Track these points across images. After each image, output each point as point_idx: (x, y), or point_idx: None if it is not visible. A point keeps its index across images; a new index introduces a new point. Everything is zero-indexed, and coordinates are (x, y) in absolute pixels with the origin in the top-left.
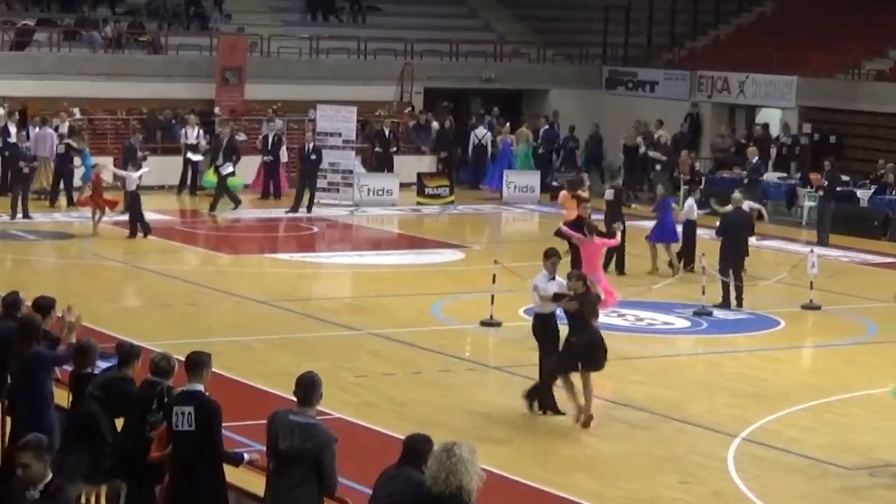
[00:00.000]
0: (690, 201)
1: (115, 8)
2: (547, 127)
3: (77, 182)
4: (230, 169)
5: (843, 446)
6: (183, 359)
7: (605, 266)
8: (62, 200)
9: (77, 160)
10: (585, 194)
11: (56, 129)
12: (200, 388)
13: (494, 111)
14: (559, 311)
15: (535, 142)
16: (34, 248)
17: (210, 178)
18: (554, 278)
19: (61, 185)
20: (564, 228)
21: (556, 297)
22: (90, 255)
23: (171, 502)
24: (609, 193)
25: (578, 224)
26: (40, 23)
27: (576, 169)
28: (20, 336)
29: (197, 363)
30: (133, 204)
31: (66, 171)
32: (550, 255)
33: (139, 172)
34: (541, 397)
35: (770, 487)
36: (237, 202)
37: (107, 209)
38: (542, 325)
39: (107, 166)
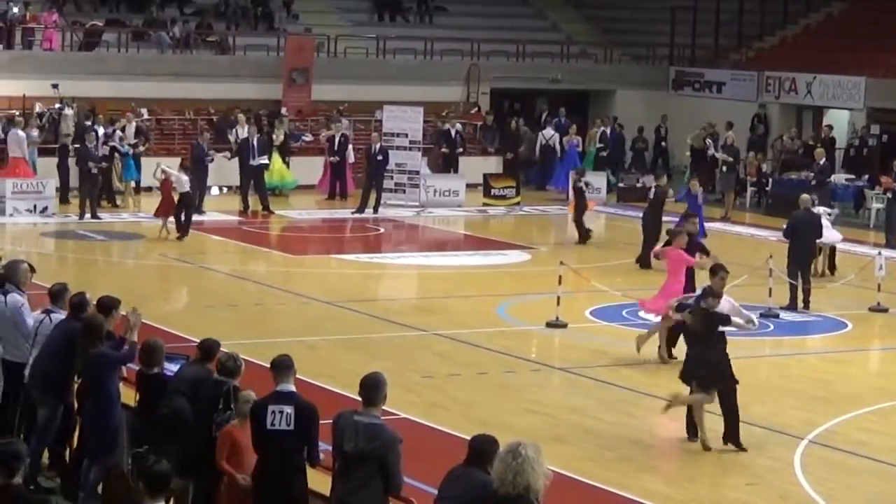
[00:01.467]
0: (824, 209)
1: (184, 8)
2: (603, 129)
3: (116, 184)
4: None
5: None
6: (248, 359)
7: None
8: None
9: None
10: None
11: (123, 129)
12: (294, 388)
13: (561, 112)
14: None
15: (600, 144)
16: (102, 249)
17: (270, 179)
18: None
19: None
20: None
21: (680, 308)
22: (157, 255)
23: (258, 502)
24: (651, 193)
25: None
26: (109, 23)
27: (645, 171)
28: (84, 337)
29: (286, 365)
30: (184, 205)
31: (106, 172)
32: (717, 272)
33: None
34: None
35: (836, 490)
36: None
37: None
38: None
39: (160, 165)
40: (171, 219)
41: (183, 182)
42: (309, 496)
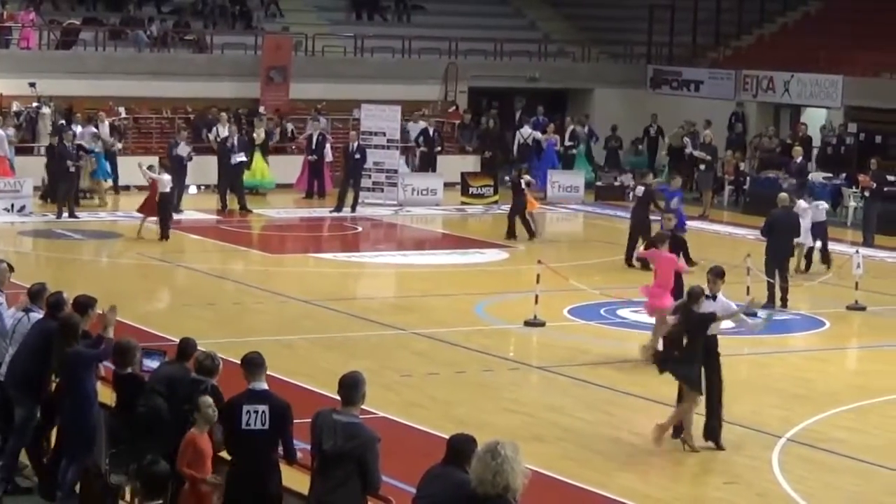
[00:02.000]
0: (823, 203)
1: (161, 7)
2: (573, 127)
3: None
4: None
5: (889, 447)
6: (226, 358)
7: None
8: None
9: (90, 160)
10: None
11: (96, 127)
12: (267, 387)
13: (539, 110)
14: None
15: (569, 142)
16: (80, 247)
17: (254, 177)
18: (715, 297)
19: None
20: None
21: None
22: (135, 254)
23: (232, 502)
24: (639, 190)
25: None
26: (86, 22)
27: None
28: (60, 336)
29: (258, 363)
30: (163, 206)
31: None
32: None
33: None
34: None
35: (816, 489)
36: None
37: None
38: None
39: (141, 167)
40: (152, 218)
41: (164, 182)
42: (284, 494)
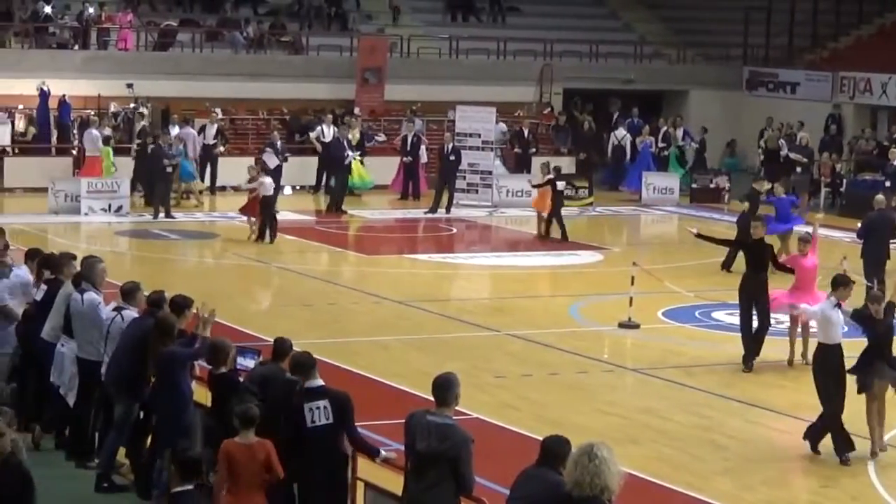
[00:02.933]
0: None
1: (257, 8)
2: (665, 129)
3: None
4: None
5: None
6: (321, 359)
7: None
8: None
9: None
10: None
11: (203, 129)
12: (322, 382)
13: (634, 112)
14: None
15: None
16: (176, 248)
17: (353, 179)
18: (839, 306)
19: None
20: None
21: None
22: (231, 254)
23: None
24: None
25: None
26: (183, 23)
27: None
28: (156, 335)
29: (310, 364)
30: (266, 208)
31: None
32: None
33: (271, 181)
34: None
35: None
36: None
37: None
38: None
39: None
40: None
41: (267, 185)
42: (379, 495)
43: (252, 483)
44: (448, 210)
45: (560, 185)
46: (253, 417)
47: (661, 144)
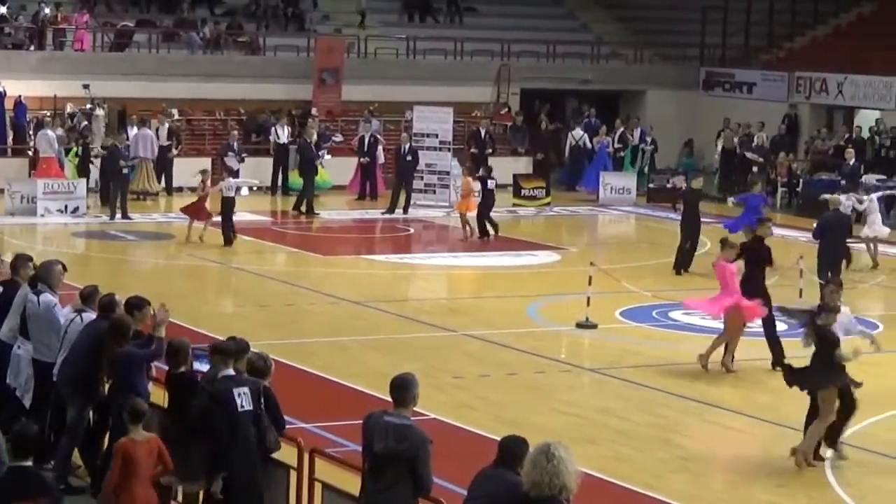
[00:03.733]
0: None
1: (214, 9)
2: (622, 129)
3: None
4: (328, 155)
5: None
6: (278, 359)
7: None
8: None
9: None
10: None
11: (156, 130)
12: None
13: (591, 112)
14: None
15: (618, 144)
16: (133, 249)
17: (296, 180)
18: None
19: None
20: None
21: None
22: (187, 255)
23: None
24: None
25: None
26: (139, 24)
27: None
28: (111, 336)
29: (230, 350)
30: (225, 211)
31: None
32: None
33: (235, 182)
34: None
35: (867, 491)
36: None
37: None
38: None
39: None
40: (198, 223)
41: (230, 187)
42: (336, 495)
43: (146, 477)
44: (405, 210)
45: (491, 184)
46: (142, 412)
47: (617, 145)
